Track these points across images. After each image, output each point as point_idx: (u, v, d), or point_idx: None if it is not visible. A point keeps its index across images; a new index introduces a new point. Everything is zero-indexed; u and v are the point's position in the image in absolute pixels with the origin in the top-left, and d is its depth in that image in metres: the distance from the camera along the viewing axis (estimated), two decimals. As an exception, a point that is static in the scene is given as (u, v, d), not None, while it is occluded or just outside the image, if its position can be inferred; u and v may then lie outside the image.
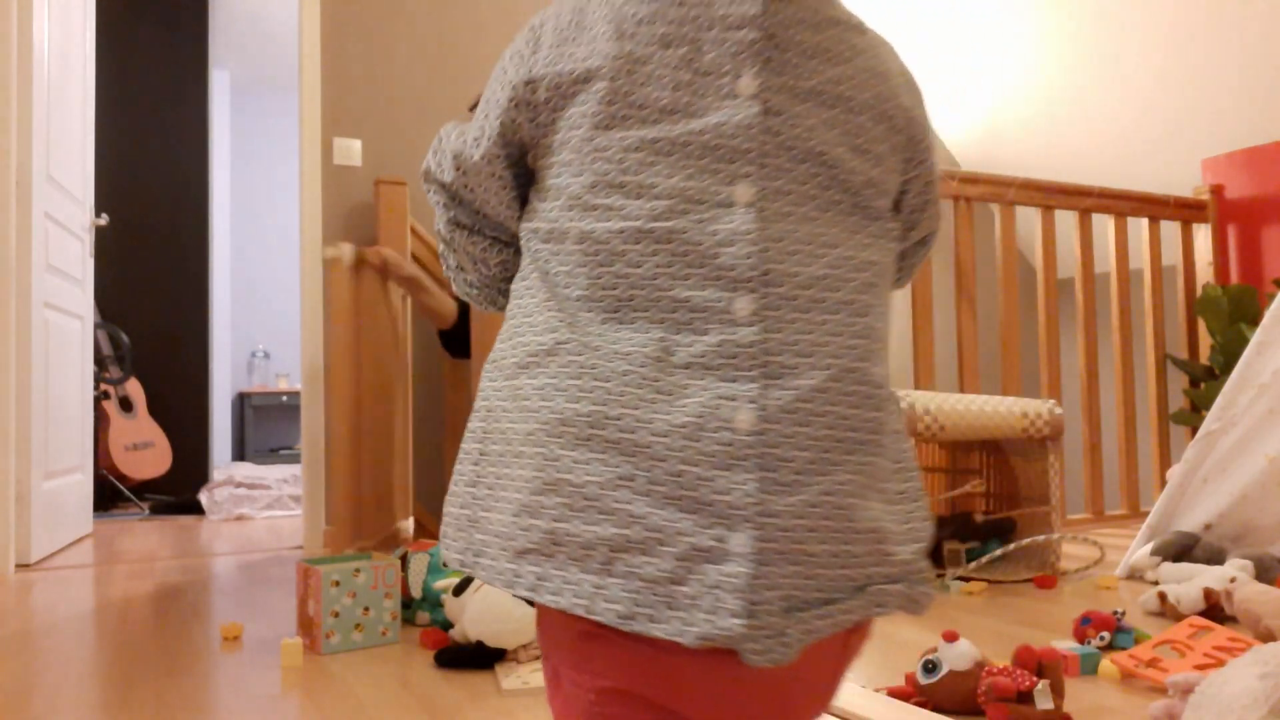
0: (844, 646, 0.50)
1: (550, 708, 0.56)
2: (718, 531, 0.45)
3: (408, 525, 3.09)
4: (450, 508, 0.54)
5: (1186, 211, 3.44)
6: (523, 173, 0.54)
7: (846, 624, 0.47)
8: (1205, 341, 3.41)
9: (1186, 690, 1.13)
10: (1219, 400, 2.22)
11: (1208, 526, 2.18)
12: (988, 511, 2.55)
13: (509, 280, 0.55)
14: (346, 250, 2.47)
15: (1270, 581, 1.90)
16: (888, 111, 0.55)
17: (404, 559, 1.85)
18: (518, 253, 0.54)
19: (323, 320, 3.10)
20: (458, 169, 0.56)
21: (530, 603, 0.51)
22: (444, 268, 0.61)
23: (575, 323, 0.49)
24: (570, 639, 0.49)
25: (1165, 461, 3.32)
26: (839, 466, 0.47)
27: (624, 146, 0.49)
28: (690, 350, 0.47)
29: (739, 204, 0.49)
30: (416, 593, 1.83)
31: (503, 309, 0.54)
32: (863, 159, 0.53)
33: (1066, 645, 1.49)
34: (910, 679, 1.30)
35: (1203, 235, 3.49)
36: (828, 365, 0.48)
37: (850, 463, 0.48)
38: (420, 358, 3.49)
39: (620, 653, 0.47)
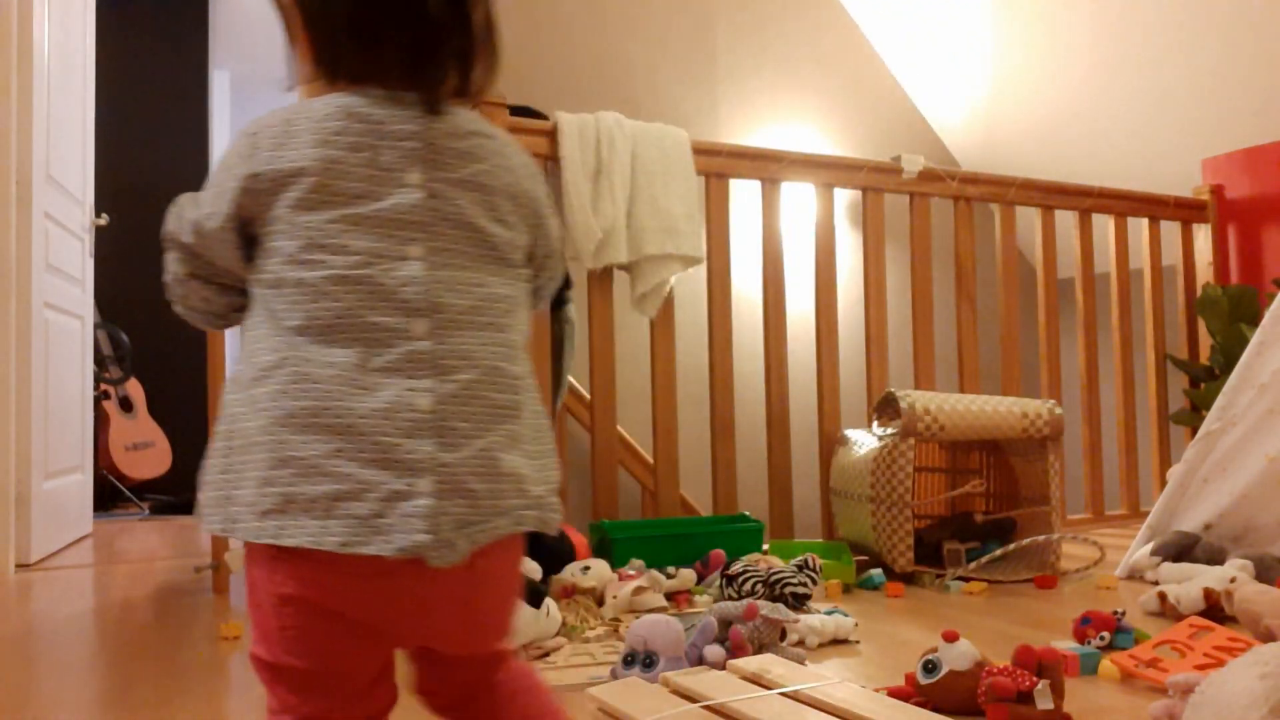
0: (503, 552, 0.73)
1: (250, 618, 0.72)
2: (408, 479, 0.66)
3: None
4: (207, 492, 0.70)
5: (1186, 211, 3.44)
6: (248, 238, 0.73)
7: (499, 535, 0.70)
8: (1205, 341, 3.41)
9: (1186, 690, 1.13)
10: (1219, 400, 2.22)
11: (1208, 526, 2.18)
12: (988, 511, 2.55)
13: (230, 314, 0.76)
14: None
15: (1270, 581, 1.90)
16: (514, 193, 0.78)
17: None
18: (241, 294, 0.74)
19: (323, 320, 3.09)
20: (197, 234, 0.74)
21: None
22: (171, 300, 0.80)
23: (294, 345, 0.68)
24: (265, 560, 0.68)
25: (1165, 461, 3.32)
26: (489, 432, 0.70)
27: (327, 220, 0.70)
28: (383, 359, 0.68)
29: (412, 258, 0.70)
30: (416, 593, 1.83)
31: (220, 329, 0.77)
32: (500, 226, 0.76)
33: (1066, 645, 1.49)
34: (910, 679, 1.30)
35: (1203, 235, 3.49)
36: (478, 365, 0.71)
37: (498, 429, 0.70)
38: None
39: (301, 570, 0.67)
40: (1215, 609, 1.73)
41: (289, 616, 0.68)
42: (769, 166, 2.71)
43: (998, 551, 2.19)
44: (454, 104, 0.76)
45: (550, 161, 2.44)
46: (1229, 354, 3.15)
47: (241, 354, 0.72)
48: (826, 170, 2.80)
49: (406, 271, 0.70)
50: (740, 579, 1.89)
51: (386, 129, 0.72)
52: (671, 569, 2.03)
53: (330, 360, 0.68)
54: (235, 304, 0.76)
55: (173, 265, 0.78)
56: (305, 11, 0.73)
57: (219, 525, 0.69)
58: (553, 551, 2.02)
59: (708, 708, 1.09)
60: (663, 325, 2.56)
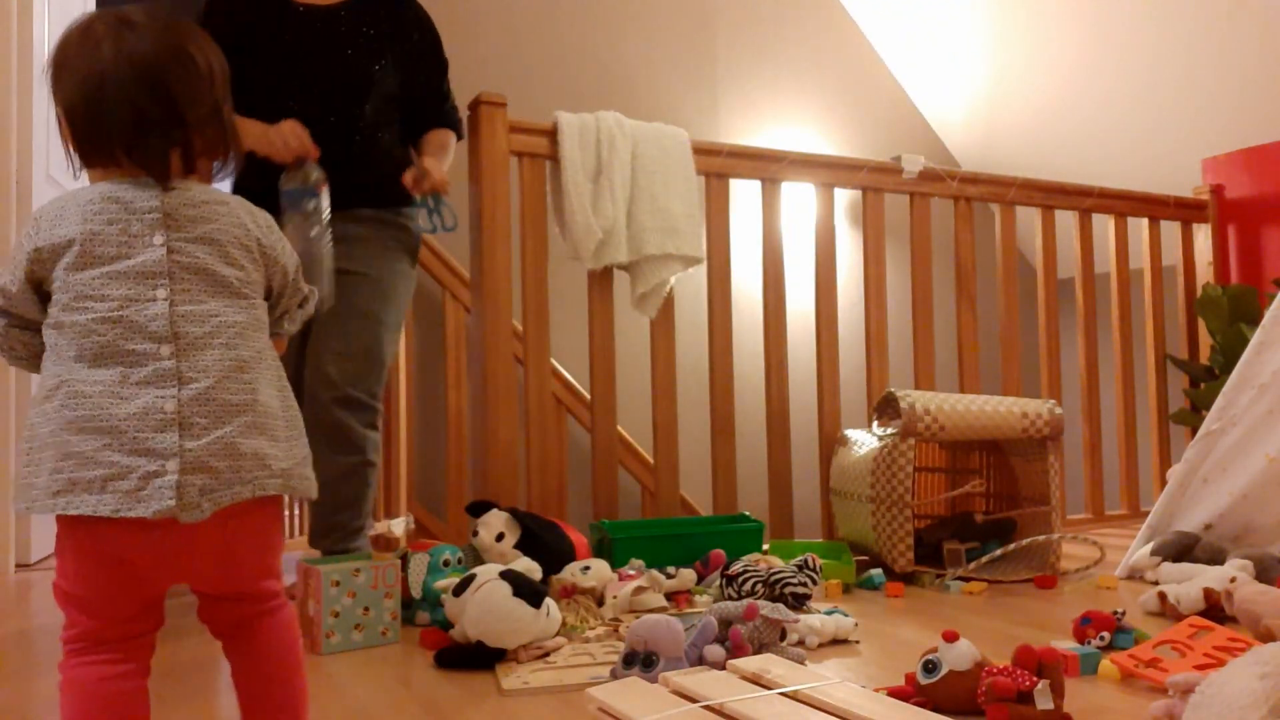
0: (253, 511, 0.97)
1: (56, 562, 0.96)
2: (160, 462, 0.90)
3: (396, 525, 3.08)
4: (16, 483, 0.94)
5: (1186, 211, 3.44)
6: (43, 295, 0.96)
7: (241, 498, 0.94)
8: (1205, 341, 3.41)
9: (1186, 690, 1.13)
10: (1219, 400, 2.22)
11: (1208, 526, 2.18)
12: (988, 511, 2.55)
13: (41, 354, 0.97)
14: None
15: (1270, 581, 1.90)
16: (245, 243, 1.02)
17: (404, 559, 1.85)
18: (37, 334, 0.98)
19: (323, 320, 3.09)
20: (5, 296, 0.97)
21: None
22: (2, 350, 1.01)
23: (70, 370, 0.92)
24: (65, 525, 0.93)
25: (1165, 461, 3.32)
26: (226, 424, 0.94)
27: (92, 276, 0.93)
28: (137, 375, 0.92)
29: (159, 299, 0.94)
30: (416, 593, 1.83)
31: (36, 370, 0.99)
32: (232, 268, 1.00)
33: (1066, 645, 1.49)
34: (910, 679, 1.30)
35: (1203, 235, 3.49)
36: (213, 376, 0.94)
37: (234, 421, 0.94)
38: (421, 358, 3.49)
39: (90, 530, 0.91)
40: (1215, 609, 1.73)
41: (80, 562, 0.94)
42: (769, 166, 2.71)
43: (998, 551, 2.19)
44: (186, 180, 1.00)
45: (550, 161, 2.44)
46: (1229, 354, 3.15)
47: (39, 381, 0.96)
48: (826, 170, 2.80)
49: (154, 310, 0.94)
50: (740, 579, 1.89)
51: (133, 205, 0.96)
52: (671, 569, 2.03)
53: (97, 379, 0.91)
54: (39, 347, 0.98)
55: None
56: (64, 121, 0.98)
57: (24, 506, 0.92)
58: (553, 551, 2.02)
59: (708, 708, 1.09)
60: (663, 325, 2.56)
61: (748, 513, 2.47)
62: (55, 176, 2.96)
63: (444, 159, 2.13)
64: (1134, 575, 2.19)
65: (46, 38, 2.86)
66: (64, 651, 0.95)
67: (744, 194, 3.95)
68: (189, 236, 0.97)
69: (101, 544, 0.92)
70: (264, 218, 1.06)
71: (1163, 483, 3.22)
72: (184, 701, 1.39)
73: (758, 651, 1.43)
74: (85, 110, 0.96)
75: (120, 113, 0.95)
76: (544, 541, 2.02)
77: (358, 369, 2.04)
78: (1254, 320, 3.14)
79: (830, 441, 2.72)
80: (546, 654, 1.55)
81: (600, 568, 1.97)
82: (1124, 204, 3.29)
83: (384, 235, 2.10)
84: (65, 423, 0.90)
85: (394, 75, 2.07)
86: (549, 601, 1.59)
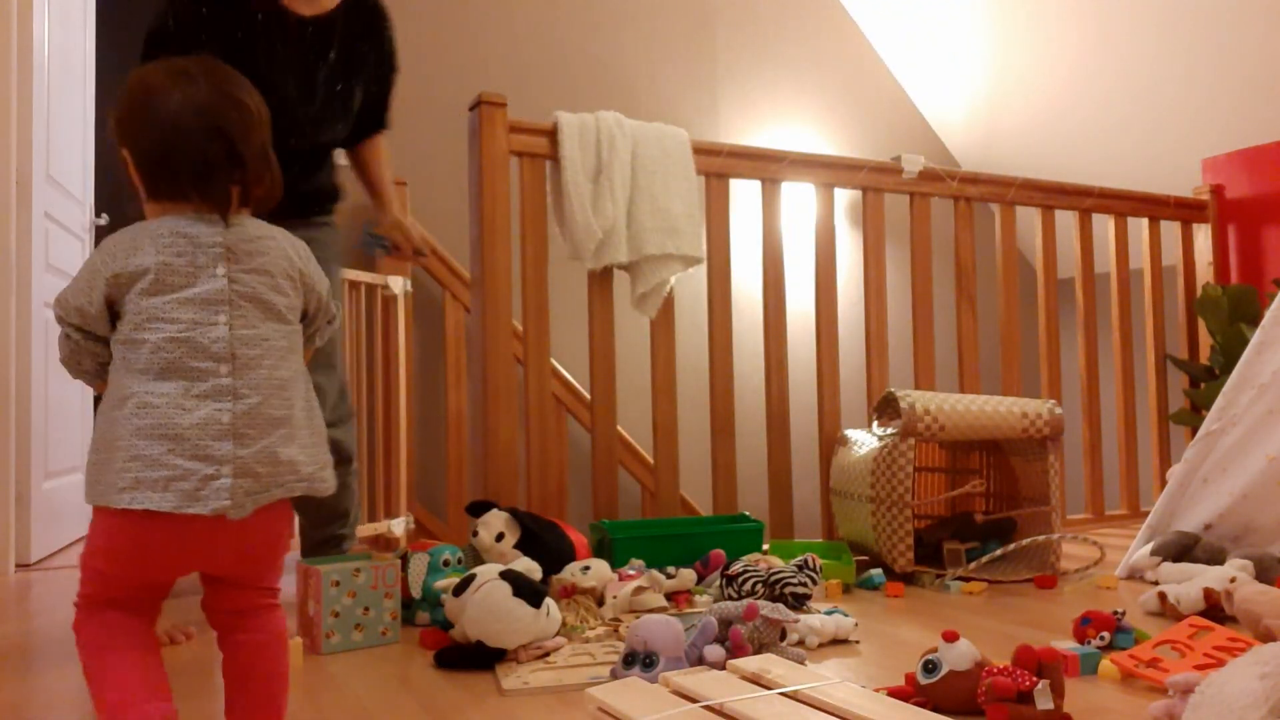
0: (273, 511, 1.09)
1: (88, 540, 1.08)
2: (215, 467, 1.03)
3: (398, 524, 3.08)
4: (87, 478, 1.06)
5: (1186, 211, 3.44)
6: (114, 314, 1.08)
7: (275, 499, 1.08)
8: (1205, 341, 3.41)
9: (1186, 690, 1.13)
10: (1219, 400, 2.22)
11: (1208, 526, 2.18)
12: (988, 511, 2.55)
13: (103, 369, 1.10)
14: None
15: (1270, 581, 1.90)
16: (290, 273, 1.16)
17: (404, 559, 1.85)
18: (107, 348, 1.10)
19: (323, 320, 3.09)
20: (81, 314, 1.07)
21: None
22: (67, 368, 1.13)
23: (139, 382, 1.04)
24: (113, 515, 1.03)
25: (1165, 461, 3.32)
26: (269, 435, 1.07)
27: (163, 301, 1.06)
28: (198, 390, 1.05)
29: (220, 324, 1.07)
30: (416, 593, 1.83)
31: (97, 384, 1.13)
32: (280, 296, 1.14)
33: (1066, 645, 1.49)
34: (910, 679, 1.30)
35: (1203, 235, 3.49)
36: (263, 392, 1.08)
37: (275, 433, 1.08)
38: (421, 358, 3.49)
39: (140, 522, 1.03)
40: (1215, 609, 1.73)
41: (118, 546, 1.06)
42: (769, 166, 2.71)
43: (998, 551, 2.19)
44: (244, 214, 1.14)
45: (550, 161, 2.44)
46: (1229, 354, 3.15)
47: (106, 391, 1.09)
48: (826, 170, 2.80)
49: (216, 333, 1.07)
50: (740, 579, 1.89)
51: (199, 240, 1.09)
52: (671, 569, 2.03)
53: (163, 391, 1.04)
54: (107, 359, 1.10)
55: (68, 340, 1.10)
56: (133, 161, 1.11)
57: (97, 498, 1.04)
58: (553, 551, 2.02)
59: (708, 708, 1.09)
60: (663, 325, 2.56)
61: (748, 513, 2.47)
62: (55, 177, 2.96)
63: (391, 176, 2.22)
64: (1134, 575, 2.19)
65: (46, 38, 2.86)
66: (78, 609, 1.09)
67: (744, 194, 3.95)
68: (245, 268, 1.11)
69: (148, 534, 1.04)
70: (303, 248, 1.20)
71: (1163, 483, 3.22)
72: (183, 701, 1.39)
73: (758, 651, 1.43)
74: (159, 156, 1.09)
75: (191, 157, 1.08)
76: (544, 541, 2.02)
77: (339, 381, 2.06)
78: (1254, 320, 3.14)
79: (830, 441, 2.72)
80: (546, 654, 1.55)
81: (600, 568, 1.97)
82: (1124, 204, 3.29)
83: (333, 240, 2.10)
84: (135, 429, 1.02)
85: (355, 92, 2.03)
86: (549, 601, 1.59)
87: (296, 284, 1.17)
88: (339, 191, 2.13)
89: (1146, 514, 2.34)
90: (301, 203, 1.98)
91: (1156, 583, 2.08)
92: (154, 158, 1.09)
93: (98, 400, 1.11)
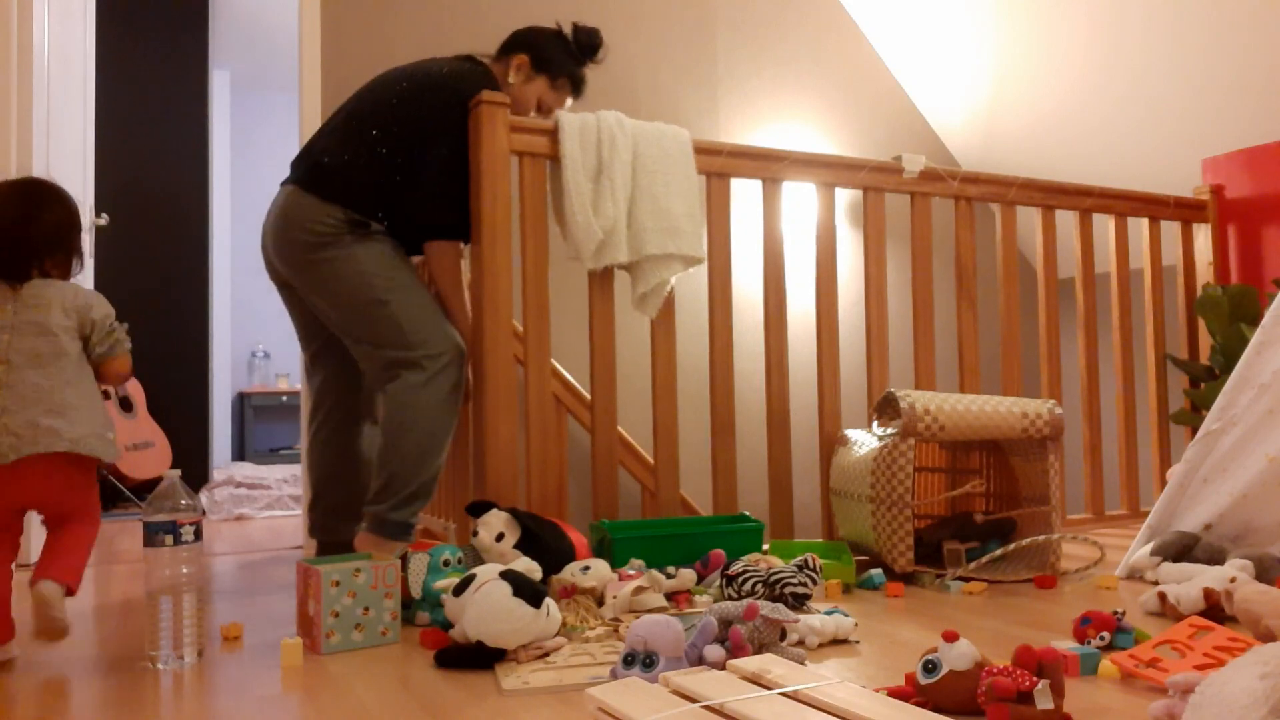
0: (42, 462, 1.62)
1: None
2: None
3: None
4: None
5: (1186, 211, 3.44)
6: None
7: (37, 451, 1.60)
8: (1205, 341, 3.41)
9: (1186, 690, 1.13)
10: (1219, 400, 2.22)
11: (1208, 526, 2.18)
12: (988, 511, 2.55)
13: None
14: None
15: (1270, 581, 1.90)
16: (65, 306, 1.69)
17: (404, 559, 1.85)
18: None
19: (323, 320, 3.09)
20: None
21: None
22: None
23: None
24: None
25: (1165, 461, 3.32)
26: (29, 410, 1.61)
27: None
28: None
29: (2, 339, 1.64)
30: (416, 593, 1.83)
31: None
32: (56, 318, 1.68)
33: (1066, 645, 1.49)
34: (910, 679, 1.30)
35: (1203, 235, 3.49)
36: (25, 383, 1.63)
37: (35, 409, 1.62)
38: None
39: None
40: (1215, 609, 1.73)
41: None
42: (770, 166, 2.71)
43: (998, 551, 2.19)
44: (39, 276, 1.71)
45: (551, 161, 2.44)
46: (1229, 354, 3.15)
47: None
48: (827, 170, 2.80)
49: None
50: (740, 579, 1.89)
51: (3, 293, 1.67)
52: (671, 569, 2.03)
53: None
54: None
55: None
56: None
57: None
58: (553, 551, 2.02)
59: (708, 708, 1.09)
60: (663, 325, 2.56)
61: (748, 513, 2.47)
62: (55, 176, 2.96)
63: None
64: (1134, 575, 2.19)
65: (46, 38, 2.86)
66: None
67: (745, 194, 3.95)
68: (29, 305, 1.67)
69: None
70: (83, 291, 1.75)
71: (1163, 483, 3.23)
72: (184, 701, 1.39)
73: (758, 651, 1.43)
74: None
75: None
76: (544, 541, 2.02)
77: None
78: (1254, 320, 3.14)
79: (830, 441, 2.72)
80: (546, 654, 1.55)
81: (600, 568, 1.97)
82: (1124, 204, 3.29)
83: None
84: None
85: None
86: (549, 601, 1.59)
87: (74, 311, 1.70)
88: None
89: (1146, 514, 2.34)
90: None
91: (1156, 583, 2.08)
92: None
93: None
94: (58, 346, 1.66)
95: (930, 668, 1.25)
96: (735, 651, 1.40)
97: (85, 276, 3.37)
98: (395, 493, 2.18)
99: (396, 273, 2.25)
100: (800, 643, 1.59)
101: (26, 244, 1.69)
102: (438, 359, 2.22)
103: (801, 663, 1.40)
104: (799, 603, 1.83)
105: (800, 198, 4.10)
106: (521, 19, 3.87)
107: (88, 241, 3.36)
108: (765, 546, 2.33)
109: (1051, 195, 3.17)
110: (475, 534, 2.03)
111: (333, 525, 2.42)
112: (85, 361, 1.72)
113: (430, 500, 2.34)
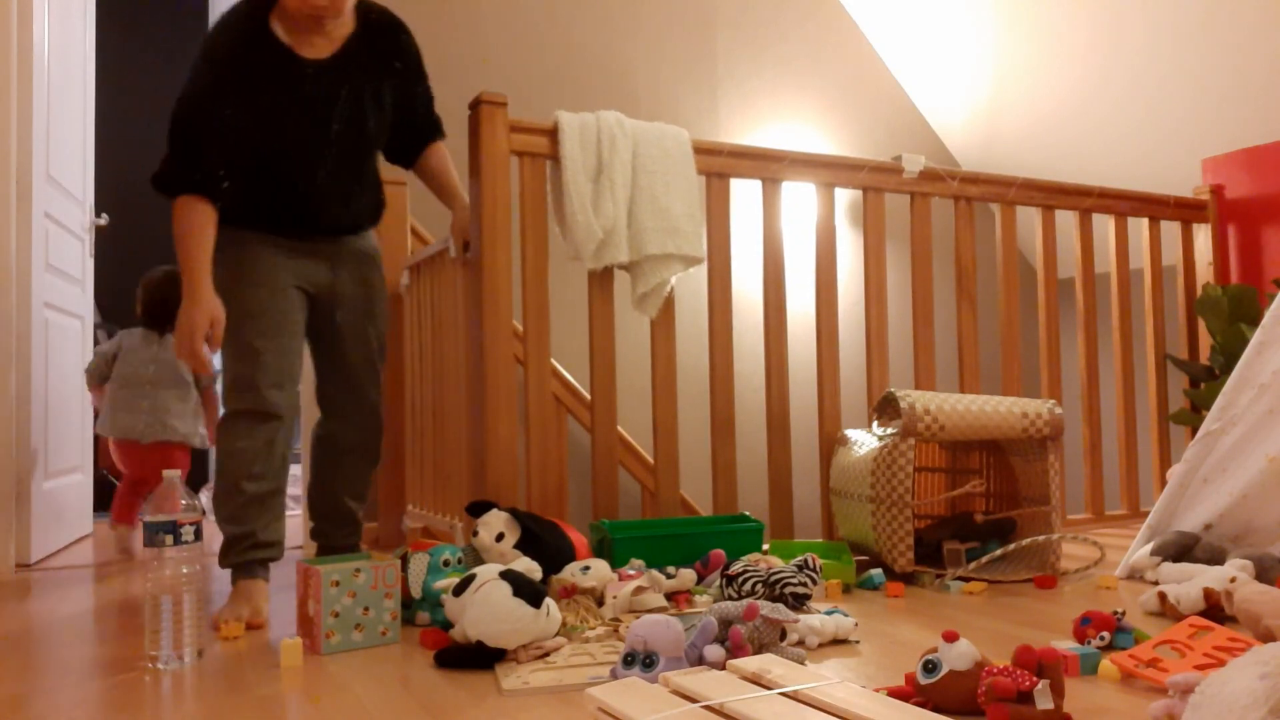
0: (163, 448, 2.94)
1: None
2: None
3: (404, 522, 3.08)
4: None
5: (1186, 211, 3.44)
6: None
7: (158, 438, 2.95)
8: (1205, 341, 3.42)
9: (1186, 690, 1.13)
10: (1219, 400, 2.22)
11: (1208, 526, 2.18)
12: (988, 511, 2.55)
13: None
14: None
15: (1270, 581, 1.90)
16: None
17: (404, 559, 1.85)
18: None
19: (323, 320, 3.09)
20: None
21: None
22: None
23: None
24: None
25: (1165, 461, 3.32)
26: (159, 414, 3.03)
27: None
28: None
29: None
30: (416, 593, 1.83)
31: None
32: (180, 364, 2.77)
33: (1066, 645, 1.49)
34: (910, 679, 1.30)
35: (1203, 235, 3.49)
36: (161, 409, 3.00)
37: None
38: (421, 357, 3.48)
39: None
40: (1215, 609, 1.73)
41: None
42: (769, 166, 2.71)
43: (998, 551, 2.19)
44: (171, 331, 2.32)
45: (551, 161, 2.44)
46: (1229, 354, 3.15)
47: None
48: (827, 170, 2.80)
49: None
50: (740, 579, 1.89)
51: None
52: (671, 569, 2.03)
53: None
54: None
55: None
56: None
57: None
58: (553, 551, 2.02)
59: (708, 708, 1.09)
60: (663, 325, 2.56)
61: (748, 513, 2.47)
62: (55, 176, 2.96)
63: (457, 178, 2.32)
64: (1134, 575, 2.19)
65: (47, 38, 2.86)
66: None
67: (744, 194, 3.95)
68: None
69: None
70: None
71: (1163, 483, 3.23)
72: (185, 701, 1.39)
73: (758, 651, 1.43)
74: None
75: None
76: (544, 541, 2.02)
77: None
78: (1254, 320, 3.14)
79: (830, 441, 2.72)
80: (546, 654, 1.55)
81: (600, 568, 1.97)
82: (1124, 204, 3.29)
83: (378, 253, 2.26)
84: None
85: (370, 121, 2.08)
86: (549, 601, 1.58)
87: None
88: (380, 207, 2.22)
89: (1146, 514, 2.34)
90: (352, 222, 2.13)
91: (1156, 583, 2.08)
92: None
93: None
94: (181, 376, 2.89)
95: (930, 668, 1.25)
96: (735, 651, 1.40)
97: (85, 278, 3.37)
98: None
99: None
100: (800, 643, 1.59)
101: (166, 307, 2.77)
102: None
103: (801, 663, 1.40)
104: (799, 603, 1.83)
105: (800, 198, 4.10)
106: (520, 17, 3.87)
107: (87, 241, 3.37)
108: (765, 546, 2.33)
109: (1051, 195, 3.17)
110: (475, 534, 2.03)
111: (329, 531, 2.41)
112: (194, 388, 2.93)
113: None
